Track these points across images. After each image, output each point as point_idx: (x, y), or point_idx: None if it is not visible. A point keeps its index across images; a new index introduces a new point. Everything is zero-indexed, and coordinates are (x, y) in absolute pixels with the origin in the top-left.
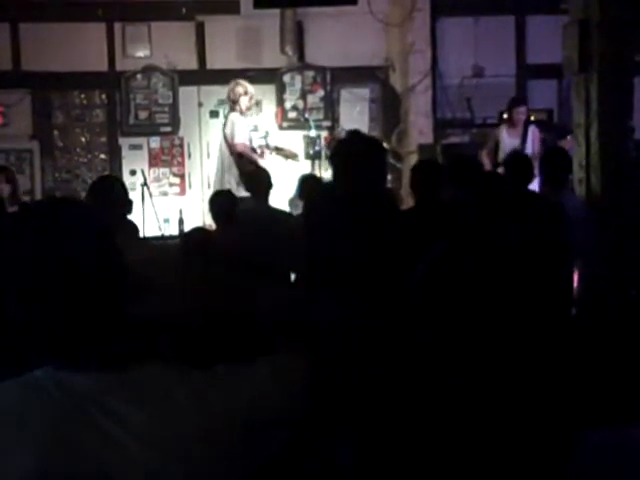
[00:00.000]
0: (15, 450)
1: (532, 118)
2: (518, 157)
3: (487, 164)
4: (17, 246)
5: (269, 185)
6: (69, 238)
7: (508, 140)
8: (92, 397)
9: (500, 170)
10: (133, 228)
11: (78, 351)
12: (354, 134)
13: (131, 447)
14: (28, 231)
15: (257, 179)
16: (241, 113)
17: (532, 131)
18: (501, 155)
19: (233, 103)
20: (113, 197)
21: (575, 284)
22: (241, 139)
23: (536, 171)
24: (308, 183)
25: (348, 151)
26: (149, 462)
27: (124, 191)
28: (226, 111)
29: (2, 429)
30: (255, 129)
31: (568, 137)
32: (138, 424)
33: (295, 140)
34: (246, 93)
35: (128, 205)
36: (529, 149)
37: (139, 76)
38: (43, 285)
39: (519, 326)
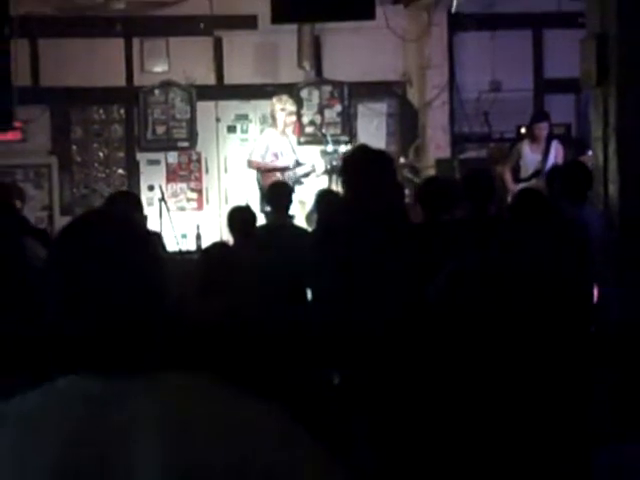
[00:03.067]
0: (36, 457)
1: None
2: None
3: (509, 179)
4: (62, 256)
5: (289, 199)
6: (107, 248)
7: (530, 155)
8: (115, 403)
9: (522, 185)
10: (158, 238)
11: (104, 358)
12: (358, 149)
13: (154, 454)
14: (70, 246)
15: (277, 193)
16: (277, 128)
17: (555, 147)
18: (523, 170)
19: (272, 119)
20: (129, 211)
21: (595, 300)
22: (254, 156)
23: None
24: (325, 198)
25: (354, 166)
26: (173, 469)
27: (139, 206)
28: (244, 126)
29: (24, 436)
30: (293, 151)
31: (589, 152)
32: (161, 431)
33: (312, 155)
34: (283, 110)
35: (143, 220)
36: (551, 165)
37: (157, 91)
38: (82, 293)
39: (537, 341)
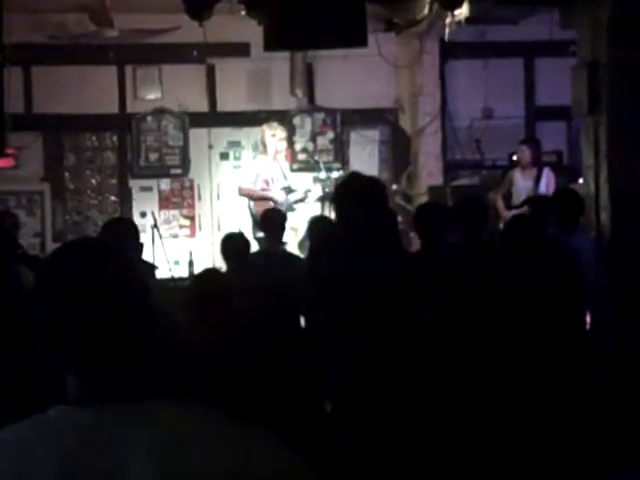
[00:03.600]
0: None
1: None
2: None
3: (501, 206)
4: (46, 285)
5: (282, 226)
6: (98, 275)
7: (522, 183)
8: (107, 433)
9: (514, 212)
10: (150, 268)
11: (94, 388)
12: (350, 176)
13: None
14: (61, 274)
15: (270, 220)
16: (267, 155)
17: (546, 174)
18: (515, 197)
19: (263, 146)
20: (125, 239)
21: (588, 325)
22: (244, 184)
23: None
24: (318, 225)
25: (346, 193)
26: None
27: (136, 233)
28: (237, 153)
29: (14, 467)
30: (284, 177)
31: (580, 180)
32: (154, 460)
33: (305, 182)
34: (274, 136)
35: (139, 247)
36: (542, 192)
37: (150, 118)
38: (67, 323)
39: (531, 367)
